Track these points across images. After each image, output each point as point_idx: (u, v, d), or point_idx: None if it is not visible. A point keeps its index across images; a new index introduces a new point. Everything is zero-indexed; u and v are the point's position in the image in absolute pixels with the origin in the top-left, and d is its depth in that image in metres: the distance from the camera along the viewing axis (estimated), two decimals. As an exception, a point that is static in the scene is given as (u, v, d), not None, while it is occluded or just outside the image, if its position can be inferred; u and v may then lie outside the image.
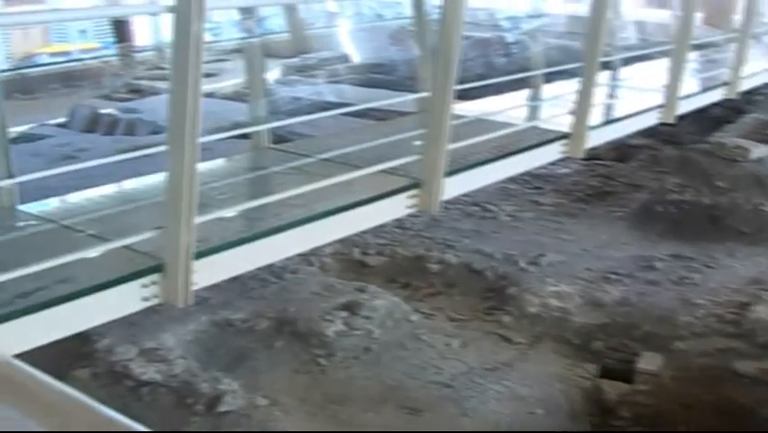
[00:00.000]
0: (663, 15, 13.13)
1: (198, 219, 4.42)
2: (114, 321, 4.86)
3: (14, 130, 7.21)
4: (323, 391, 6.55)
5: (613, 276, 8.31)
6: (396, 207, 6.01)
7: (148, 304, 4.51)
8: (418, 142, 6.23)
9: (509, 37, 14.84)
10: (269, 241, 5.14)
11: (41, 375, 1.08)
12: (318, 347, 6.92)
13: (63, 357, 6.07)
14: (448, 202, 6.52)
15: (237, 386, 6.33)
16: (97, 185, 6.36)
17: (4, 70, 12.15)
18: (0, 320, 3.81)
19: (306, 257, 8.06)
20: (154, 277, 4.48)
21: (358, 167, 6.04)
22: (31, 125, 11.34)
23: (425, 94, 6.99)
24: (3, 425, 1.01)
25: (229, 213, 5.18)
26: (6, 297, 3.95)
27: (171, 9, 4.25)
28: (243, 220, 5.36)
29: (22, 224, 5.30)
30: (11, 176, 5.22)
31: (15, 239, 5.08)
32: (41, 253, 4.38)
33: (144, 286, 4.45)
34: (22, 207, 5.44)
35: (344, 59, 13.93)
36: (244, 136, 6.84)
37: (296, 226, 5.27)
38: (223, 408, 6.12)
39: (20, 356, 2.87)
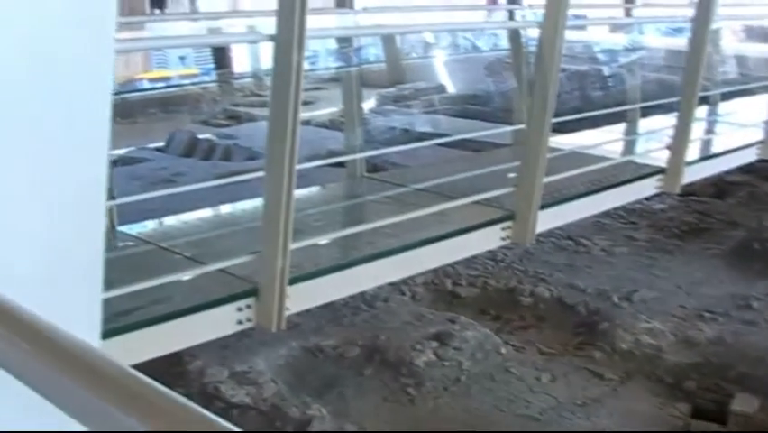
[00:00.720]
0: (766, 50, 12.92)
1: (294, 245, 4.46)
2: (206, 343, 4.94)
3: (115, 153, 7.36)
4: (411, 420, 6.53)
5: (708, 314, 8.17)
6: (489, 239, 5.99)
7: (242, 327, 4.56)
8: (512, 174, 6.21)
9: (606, 70, 14.72)
10: (362, 269, 5.16)
11: (160, 386, 1.11)
12: (408, 376, 6.91)
13: (155, 376, 6.14)
14: (541, 235, 6.48)
15: (326, 412, 6.35)
16: (194, 208, 6.46)
17: (106, 95, 12.38)
18: (101, 337, 3.88)
19: (397, 286, 8.08)
20: (249, 301, 4.53)
21: (452, 197, 6.04)
22: (130, 149, 11.55)
23: (520, 126, 6.99)
24: (115, 427, 1.04)
25: (323, 240, 5.22)
26: (105, 315, 4.02)
27: (272, 38, 4.31)
28: (337, 247, 5.39)
29: (120, 244, 5.41)
30: (111, 197, 5.31)
31: (114, 259, 5.17)
32: (139, 273, 4.46)
33: (239, 309, 4.50)
34: (121, 228, 5.54)
35: (440, 89, 13.96)
36: (340, 164, 6.90)
37: (389, 255, 5.29)
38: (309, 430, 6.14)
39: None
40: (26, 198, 1.40)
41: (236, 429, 1.03)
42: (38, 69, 1.36)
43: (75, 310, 1.50)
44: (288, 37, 4.21)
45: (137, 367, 1.27)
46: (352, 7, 7.34)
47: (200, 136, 12.15)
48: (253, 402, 6.38)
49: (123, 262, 5.15)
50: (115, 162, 7.44)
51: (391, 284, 7.48)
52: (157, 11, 16.34)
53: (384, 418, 6.53)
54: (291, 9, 4.18)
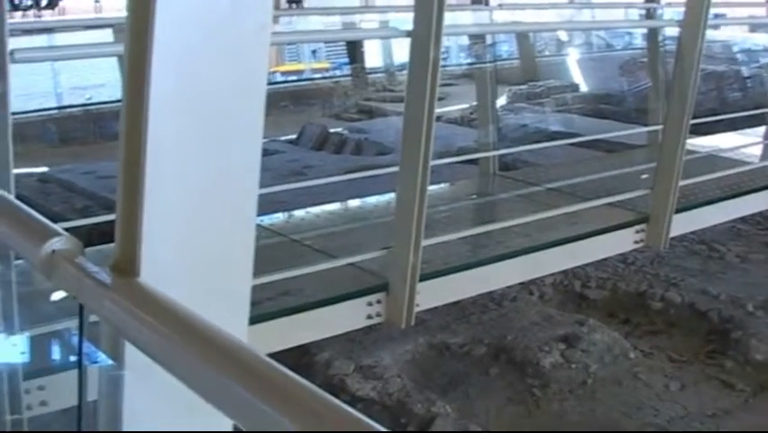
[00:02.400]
0: None
1: (426, 242, 4.45)
2: (332, 336, 4.96)
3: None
4: (535, 422, 6.46)
5: None
6: (622, 242, 5.90)
7: (371, 322, 4.58)
8: (645, 176, 6.11)
9: (745, 71, 14.37)
10: (492, 268, 5.13)
11: (295, 376, 1.11)
12: (533, 377, 6.83)
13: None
14: (673, 239, 6.33)
15: (450, 409, 6.32)
16: (324, 202, 6.51)
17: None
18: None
19: (526, 285, 7.98)
20: (379, 296, 4.53)
21: (584, 198, 5.96)
22: (262, 140, 11.66)
23: (656, 127, 6.86)
24: (260, 422, 1.04)
25: (455, 237, 5.20)
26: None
27: (409, 33, 4.31)
28: (467, 245, 5.37)
29: (252, 235, 5.47)
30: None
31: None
32: (270, 264, 4.51)
33: (369, 304, 4.52)
34: (252, 219, 5.60)
35: (573, 88, 13.79)
36: (472, 161, 6.87)
37: (520, 255, 5.25)
38: (434, 430, 6.12)
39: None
40: (180, 186, 1.42)
41: (381, 429, 1.00)
42: (197, 58, 1.38)
43: (227, 296, 1.52)
44: (426, 33, 4.20)
45: (271, 357, 1.28)
46: (487, 4, 7.31)
47: (331, 130, 12.21)
48: (378, 397, 6.39)
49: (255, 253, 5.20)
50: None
51: (520, 283, 7.39)
52: (294, 5, 16.54)
53: (508, 418, 6.47)
54: (429, 5, 4.17)
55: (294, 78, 15.62)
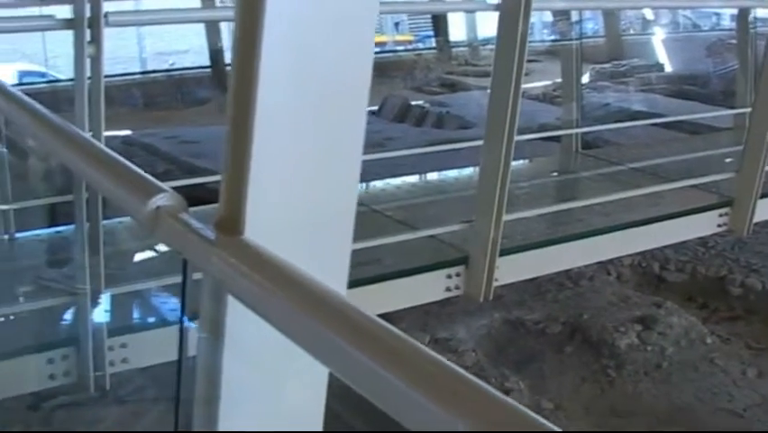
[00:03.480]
0: None
1: (507, 216, 4.45)
2: (409, 308, 4.99)
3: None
4: (609, 402, 6.44)
5: None
6: (704, 225, 5.83)
7: (450, 294, 4.59)
8: (729, 160, 6.04)
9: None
10: (572, 246, 5.12)
11: (403, 335, 1.13)
12: (608, 358, 6.80)
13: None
14: (756, 224, 6.25)
15: (523, 386, 6.33)
16: (404, 174, 6.53)
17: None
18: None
19: (603, 265, 7.93)
20: (459, 269, 4.55)
21: (667, 179, 5.91)
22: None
23: (743, 110, 6.76)
24: (420, 419, 1.04)
25: (536, 213, 5.19)
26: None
27: (497, 7, 4.29)
28: (547, 222, 5.36)
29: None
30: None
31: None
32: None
33: (449, 277, 4.53)
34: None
35: (657, 68, 13.60)
36: (554, 138, 6.84)
37: (600, 234, 5.22)
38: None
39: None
40: (286, 148, 1.45)
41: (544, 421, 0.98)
42: (307, 24, 1.40)
43: (327, 259, 1.54)
44: (515, 6, 4.18)
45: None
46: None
47: (413, 102, 12.19)
48: (453, 370, 6.40)
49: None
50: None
51: (597, 263, 7.36)
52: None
53: (582, 398, 6.46)
54: (519, -21, 4.15)
55: (377, 49, 15.60)
